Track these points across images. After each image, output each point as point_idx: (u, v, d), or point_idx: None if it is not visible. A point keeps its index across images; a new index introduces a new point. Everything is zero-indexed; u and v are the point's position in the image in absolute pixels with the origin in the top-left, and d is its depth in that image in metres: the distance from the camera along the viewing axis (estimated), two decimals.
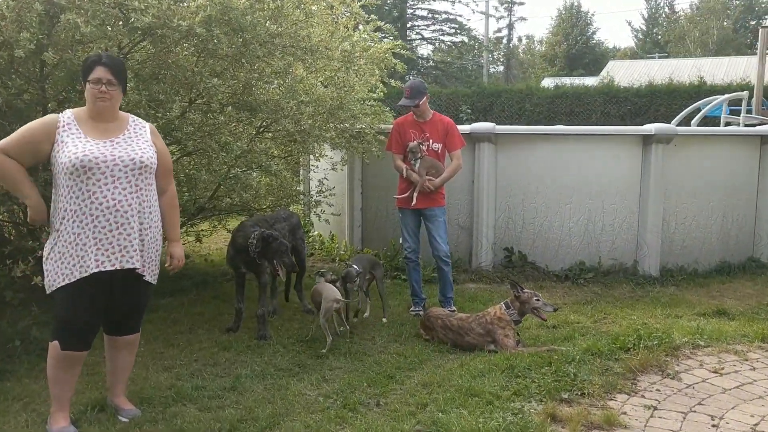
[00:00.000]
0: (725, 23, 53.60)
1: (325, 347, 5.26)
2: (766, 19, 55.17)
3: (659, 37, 60.04)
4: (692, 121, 10.23)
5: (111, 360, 4.05)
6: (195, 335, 5.69)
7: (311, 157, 7.93)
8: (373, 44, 7.78)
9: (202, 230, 7.63)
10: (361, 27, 7.54)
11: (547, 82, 26.00)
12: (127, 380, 4.17)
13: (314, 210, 7.68)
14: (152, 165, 3.72)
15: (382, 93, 8.30)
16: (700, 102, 11.77)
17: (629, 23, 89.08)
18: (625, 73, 27.45)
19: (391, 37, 9.05)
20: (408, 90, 6.25)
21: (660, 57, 42.57)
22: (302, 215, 9.45)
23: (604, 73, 33.23)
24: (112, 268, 3.59)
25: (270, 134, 6.72)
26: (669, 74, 20.52)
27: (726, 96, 10.68)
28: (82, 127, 3.64)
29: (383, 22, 8.07)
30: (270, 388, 4.52)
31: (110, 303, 3.75)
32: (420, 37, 42.21)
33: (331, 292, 5.51)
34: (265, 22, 5.63)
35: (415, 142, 6.25)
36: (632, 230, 7.67)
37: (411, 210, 6.36)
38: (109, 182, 3.56)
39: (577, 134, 7.84)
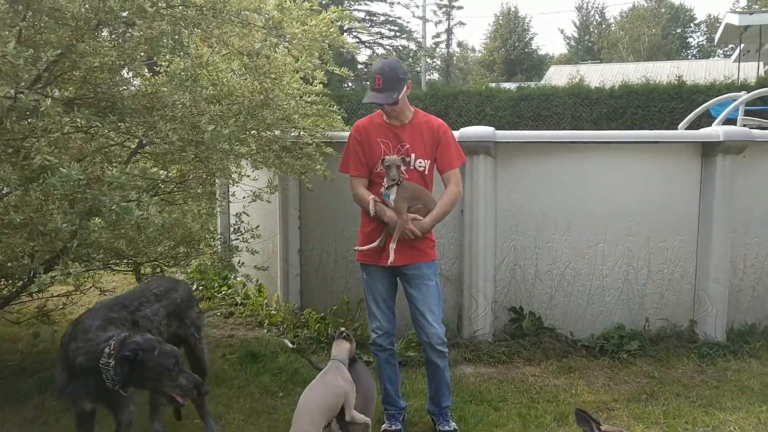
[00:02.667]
0: (654, 30, 54.05)
1: None
2: (690, 26, 56.45)
3: (591, 43, 60.08)
4: (714, 124, 8.12)
5: None
6: None
7: (229, 180, 5.31)
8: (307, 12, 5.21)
9: (53, 297, 4.94)
10: None
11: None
12: None
13: (232, 258, 5.16)
14: None
15: (322, 84, 5.73)
16: (708, 103, 9.73)
17: (561, 31, 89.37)
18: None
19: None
20: (378, 77, 3.70)
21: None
22: (217, 262, 6.82)
23: (547, 76, 31.69)
24: None
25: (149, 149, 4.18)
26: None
27: (750, 93, 8.63)
28: None
29: None
30: None
31: None
32: (357, 40, 39.70)
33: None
34: None
35: (391, 156, 3.79)
36: (688, 278, 5.39)
37: (382, 268, 3.87)
38: None
39: (611, 141, 5.49)
